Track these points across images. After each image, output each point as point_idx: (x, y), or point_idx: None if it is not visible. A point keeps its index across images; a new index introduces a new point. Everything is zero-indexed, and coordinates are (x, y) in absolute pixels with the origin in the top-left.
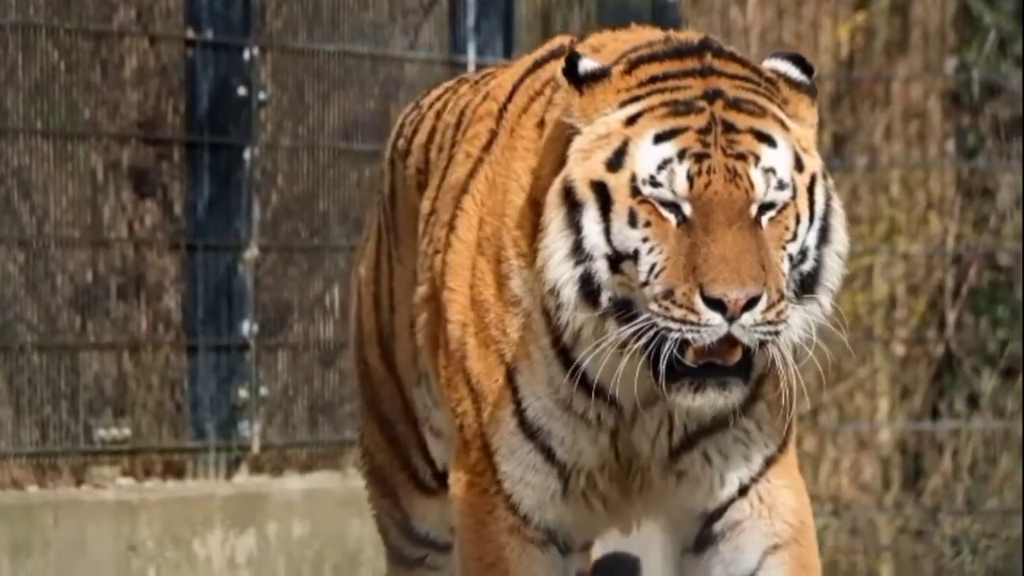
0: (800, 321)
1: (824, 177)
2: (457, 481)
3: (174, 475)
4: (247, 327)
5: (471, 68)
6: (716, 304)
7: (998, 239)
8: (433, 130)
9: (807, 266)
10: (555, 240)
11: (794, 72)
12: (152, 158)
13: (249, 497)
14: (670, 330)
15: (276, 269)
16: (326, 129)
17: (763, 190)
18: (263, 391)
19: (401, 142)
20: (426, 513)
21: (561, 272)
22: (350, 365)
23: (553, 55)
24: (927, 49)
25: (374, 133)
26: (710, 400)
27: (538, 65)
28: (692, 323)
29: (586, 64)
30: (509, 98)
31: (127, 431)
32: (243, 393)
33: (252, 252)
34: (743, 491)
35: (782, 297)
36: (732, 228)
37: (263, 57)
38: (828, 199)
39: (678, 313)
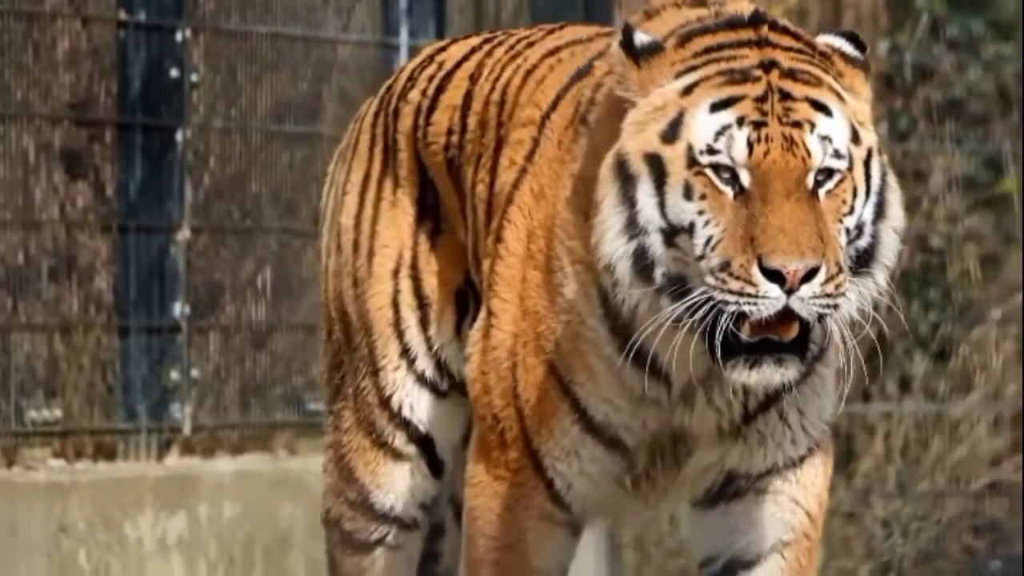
0: (854, 296)
1: (880, 152)
2: (483, 472)
3: (105, 457)
4: (179, 309)
5: (403, 51)
6: (775, 275)
7: (930, 222)
8: (469, 95)
9: (863, 241)
10: (609, 215)
11: (848, 47)
12: (84, 140)
13: (180, 479)
14: (727, 303)
15: (208, 251)
16: (258, 111)
17: (820, 158)
18: (195, 373)
19: (415, 95)
20: (393, 482)
21: (616, 247)
22: (322, 321)
23: (588, 71)
24: (859, 31)
25: (306, 115)
26: (766, 377)
27: (582, 74)
28: (750, 295)
29: (641, 37)
30: (553, 106)
31: (58, 413)
32: (174, 375)
33: (184, 234)
34: (794, 461)
35: (841, 270)
36: (790, 199)
37: (195, 39)
38: (884, 174)
39: (735, 285)
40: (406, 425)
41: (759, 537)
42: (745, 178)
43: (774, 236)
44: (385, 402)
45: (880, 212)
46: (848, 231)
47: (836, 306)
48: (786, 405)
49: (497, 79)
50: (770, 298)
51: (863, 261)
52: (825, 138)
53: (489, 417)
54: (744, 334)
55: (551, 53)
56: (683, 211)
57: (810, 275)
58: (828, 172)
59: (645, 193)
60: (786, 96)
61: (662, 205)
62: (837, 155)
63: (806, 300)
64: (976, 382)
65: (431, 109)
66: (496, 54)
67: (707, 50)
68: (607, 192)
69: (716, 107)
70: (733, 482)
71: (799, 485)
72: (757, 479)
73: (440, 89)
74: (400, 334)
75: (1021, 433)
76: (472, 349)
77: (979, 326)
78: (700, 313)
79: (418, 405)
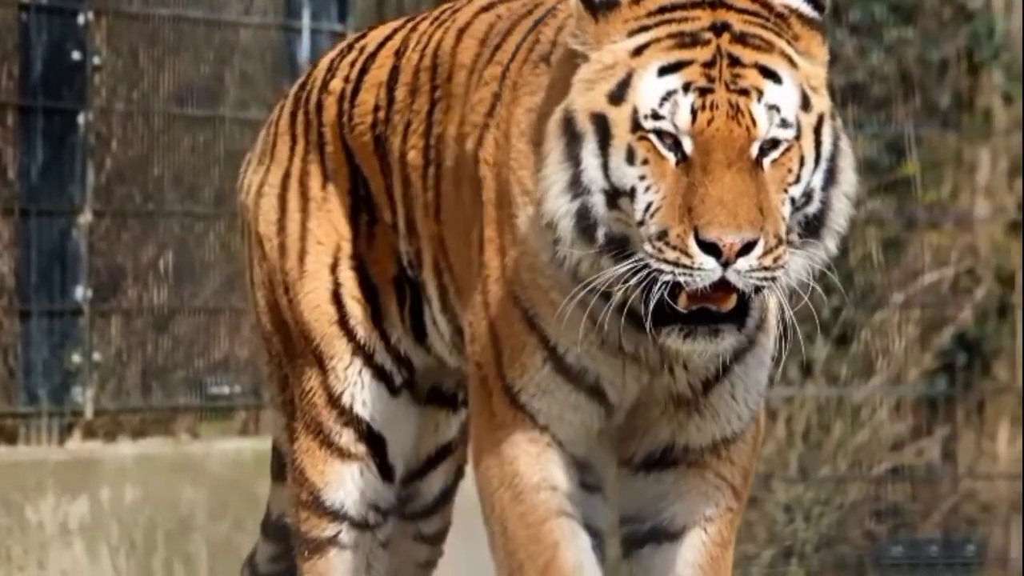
0: (802, 265)
1: (833, 117)
2: (479, 428)
3: (6, 440)
4: (80, 292)
5: (305, 34)
6: (710, 248)
7: None
8: (396, 69)
9: (812, 208)
10: (554, 172)
11: (806, 8)
12: None
13: (82, 463)
14: (662, 272)
15: (110, 234)
16: (160, 94)
17: (765, 127)
18: (96, 356)
19: (337, 83)
20: (341, 480)
21: (559, 205)
22: (254, 321)
23: (551, 13)
24: None
25: (208, 98)
26: (700, 347)
27: (540, 23)
28: (685, 266)
29: None
30: (513, 57)
31: None
32: (76, 358)
33: (86, 217)
34: (736, 435)
35: (780, 242)
36: (731, 169)
37: (97, 21)
38: (836, 139)
39: (671, 255)
40: (356, 422)
41: (684, 510)
42: (688, 145)
43: (712, 208)
44: (334, 401)
45: (831, 178)
46: (793, 200)
47: (775, 278)
48: (734, 378)
49: (425, 47)
50: (705, 270)
51: (813, 228)
52: (772, 107)
53: (475, 367)
54: (680, 304)
55: (486, 9)
56: (625, 175)
57: (747, 248)
58: (774, 142)
59: (589, 153)
60: (735, 62)
61: (605, 167)
62: (784, 124)
63: (743, 273)
64: (878, 366)
65: (355, 92)
66: (421, 27)
67: (661, 9)
68: (552, 148)
69: (664, 71)
70: (670, 452)
71: (726, 460)
72: (692, 452)
73: (364, 71)
74: (347, 330)
75: (923, 418)
76: (469, 310)
77: (881, 310)
78: (635, 280)
79: (369, 402)
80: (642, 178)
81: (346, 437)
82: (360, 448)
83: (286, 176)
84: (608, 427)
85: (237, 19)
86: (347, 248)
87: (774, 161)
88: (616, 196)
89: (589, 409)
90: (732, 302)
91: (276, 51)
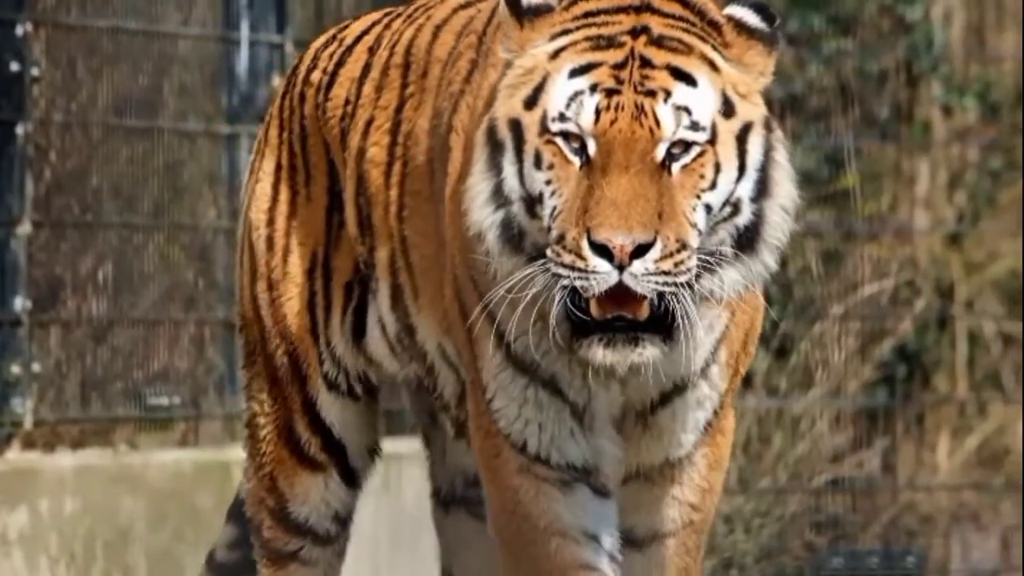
0: (738, 277)
1: (766, 127)
2: (471, 426)
3: None
4: (20, 303)
5: (244, 45)
6: (602, 250)
7: None
8: (368, 65)
9: (743, 219)
10: (478, 182)
11: (751, 18)
12: None
13: (21, 473)
14: (560, 277)
15: (49, 245)
16: (99, 105)
17: (671, 128)
18: (35, 367)
19: (317, 75)
20: (308, 493)
21: (484, 216)
22: (238, 321)
23: None
24: None
25: (147, 109)
26: (622, 356)
27: None
28: (581, 270)
29: None
30: (488, 22)
31: None
32: (15, 369)
33: (25, 228)
34: (674, 461)
35: (683, 248)
36: (629, 171)
37: (36, 32)
38: (768, 150)
39: (568, 259)
40: (324, 431)
41: (642, 521)
42: (592, 147)
43: (605, 209)
44: (308, 410)
45: (763, 190)
46: (710, 207)
47: (677, 284)
48: (676, 406)
49: (396, 44)
50: (600, 273)
51: (747, 240)
52: (681, 108)
53: (460, 355)
54: (594, 313)
55: (464, 6)
56: (534, 180)
57: (641, 251)
58: (684, 145)
59: (508, 161)
60: (646, 63)
61: (521, 174)
62: (695, 127)
63: (639, 277)
64: (817, 378)
65: (330, 85)
66: (394, 25)
67: (586, 14)
68: (478, 158)
69: (574, 73)
70: (633, 471)
71: (678, 481)
72: (647, 470)
73: (340, 64)
74: (316, 338)
75: (862, 429)
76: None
77: (820, 322)
78: (540, 286)
79: (335, 411)
80: (548, 183)
81: (315, 446)
82: (324, 456)
83: (277, 165)
84: (599, 435)
85: (176, 30)
86: (321, 255)
87: (685, 166)
88: (532, 204)
89: (555, 408)
90: (644, 309)
91: (214, 62)
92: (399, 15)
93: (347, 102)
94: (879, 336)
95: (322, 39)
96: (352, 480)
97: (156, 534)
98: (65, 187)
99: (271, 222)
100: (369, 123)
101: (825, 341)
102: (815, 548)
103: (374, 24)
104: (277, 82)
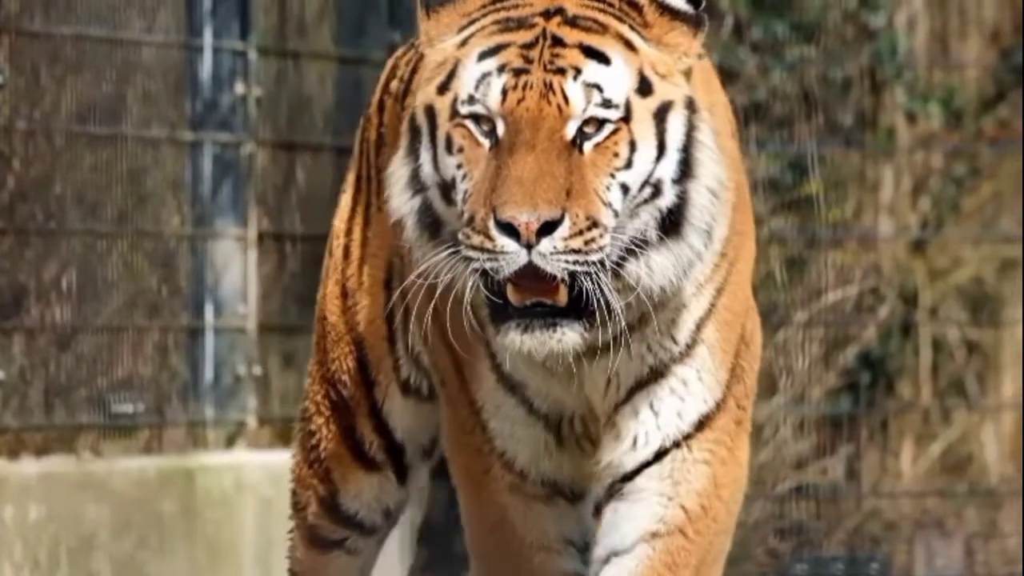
0: (666, 263)
1: (689, 108)
2: (449, 441)
3: None
4: None
5: (207, 52)
6: (508, 228)
7: None
8: None
9: (665, 201)
10: (397, 168)
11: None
12: None
13: None
14: (471, 260)
15: (12, 252)
16: (62, 112)
17: (581, 106)
18: None
19: (395, 84)
20: (361, 490)
21: (402, 202)
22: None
23: None
24: None
25: (111, 116)
26: (540, 342)
27: None
28: (489, 251)
29: None
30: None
31: None
32: None
33: None
34: (660, 455)
35: (594, 225)
36: (536, 149)
37: None
38: (691, 130)
39: (476, 240)
40: (388, 436)
41: (631, 529)
42: (500, 128)
43: (510, 187)
44: (374, 414)
45: (687, 171)
46: (626, 187)
47: (588, 262)
48: (639, 402)
49: None
50: (508, 253)
51: (671, 222)
52: (592, 86)
53: (438, 372)
54: (512, 299)
55: None
56: (446, 165)
57: (548, 228)
58: (598, 123)
59: (424, 147)
60: (557, 42)
61: (435, 159)
62: (607, 104)
63: (548, 256)
64: (781, 385)
65: (405, 93)
66: None
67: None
68: (400, 145)
69: (483, 55)
70: (612, 485)
71: (670, 481)
72: (627, 480)
73: (414, 71)
74: (393, 346)
75: (826, 436)
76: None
77: (784, 329)
78: (452, 270)
79: (405, 415)
80: (459, 166)
81: (376, 447)
82: (383, 457)
83: (358, 177)
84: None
85: (139, 37)
86: (398, 266)
87: (597, 144)
88: (447, 189)
89: (533, 428)
90: (562, 294)
91: (178, 69)
92: None
93: None
94: (843, 343)
95: (404, 47)
96: (405, 477)
97: (120, 541)
98: (28, 194)
99: (349, 232)
100: None
101: (789, 348)
102: (779, 555)
103: None
104: (240, 89)
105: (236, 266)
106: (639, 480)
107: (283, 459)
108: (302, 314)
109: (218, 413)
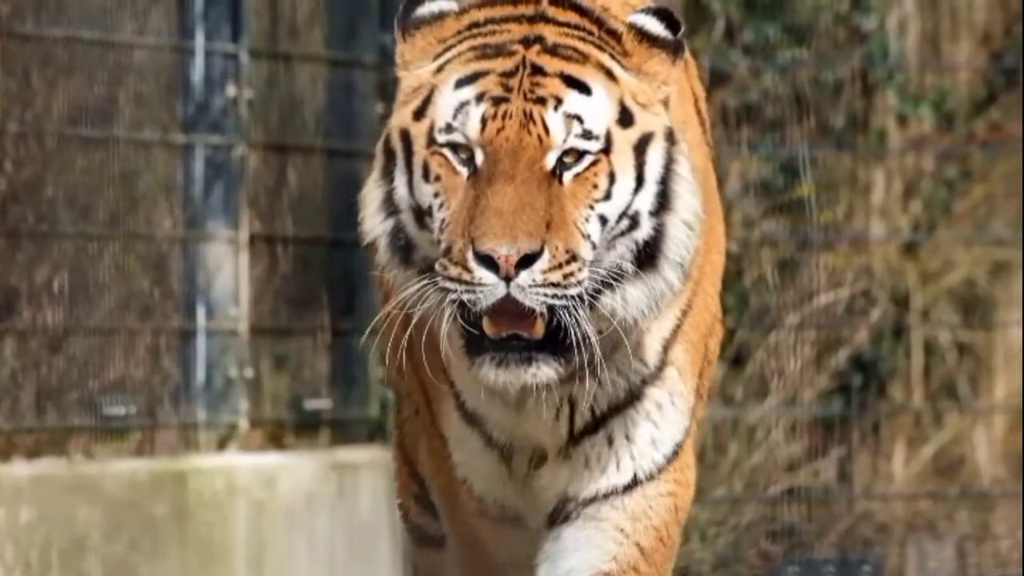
0: (641, 296)
1: (668, 139)
2: (427, 466)
3: None
4: None
5: (199, 54)
6: (487, 261)
7: (726, 227)
8: None
9: (642, 233)
10: (371, 190)
11: (654, 26)
12: None
13: None
14: (448, 291)
15: (4, 254)
16: (54, 114)
17: (561, 136)
18: None
19: None
20: None
21: (374, 224)
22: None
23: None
24: None
25: (102, 118)
26: (515, 376)
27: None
28: (467, 282)
29: (422, 9)
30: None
31: None
32: None
33: None
34: (628, 487)
35: (574, 259)
36: (516, 180)
37: None
38: (670, 162)
39: (454, 271)
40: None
41: (580, 563)
42: (479, 157)
43: (489, 219)
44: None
45: (664, 203)
46: (604, 218)
47: (567, 296)
48: (614, 429)
49: None
50: (486, 285)
51: (648, 256)
52: (573, 116)
53: (412, 401)
54: (488, 331)
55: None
56: (422, 193)
57: (527, 261)
58: (577, 154)
59: (399, 171)
60: (537, 71)
61: (410, 184)
62: (587, 136)
63: (527, 289)
64: (773, 387)
65: None
66: None
67: (472, 25)
68: (375, 167)
69: (460, 83)
70: (565, 506)
71: (627, 514)
72: (585, 505)
73: None
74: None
75: (818, 438)
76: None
77: (776, 331)
78: (429, 301)
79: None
80: (436, 195)
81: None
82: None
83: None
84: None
85: (131, 40)
86: None
87: (577, 175)
88: (422, 215)
89: (491, 459)
90: (539, 327)
91: (170, 71)
92: None
93: None
94: (835, 345)
95: None
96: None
97: (112, 543)
98: (20, 197)
99: None
100: None
101: (781, 350)
102: (771, 557)
103: None
104: (231, 91)
105: (228, 268)
106: (601, 508)
107: (275, 461)
108: (293, 316)
109: (210, 415)
